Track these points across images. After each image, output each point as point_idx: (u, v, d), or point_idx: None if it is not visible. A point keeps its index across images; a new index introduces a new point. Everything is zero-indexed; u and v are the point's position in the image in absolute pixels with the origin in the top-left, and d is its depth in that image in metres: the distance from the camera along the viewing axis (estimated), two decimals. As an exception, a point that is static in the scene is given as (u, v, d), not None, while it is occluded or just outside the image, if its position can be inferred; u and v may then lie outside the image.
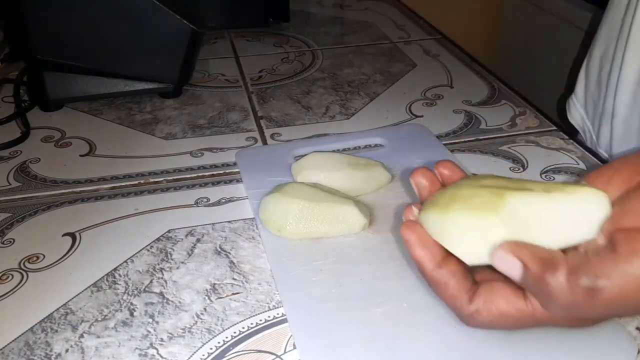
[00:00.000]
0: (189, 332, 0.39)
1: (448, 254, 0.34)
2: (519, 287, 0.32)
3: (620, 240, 0.29)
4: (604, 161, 0.58)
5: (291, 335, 0.38)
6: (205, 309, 0.41)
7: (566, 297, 0.29)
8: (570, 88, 0.73)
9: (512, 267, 0.30)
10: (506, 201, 0.32)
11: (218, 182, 0.55)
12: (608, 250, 0.29)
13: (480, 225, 0.32)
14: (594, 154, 0.59)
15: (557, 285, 0.29)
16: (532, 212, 0.31)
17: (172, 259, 0.45)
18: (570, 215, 0.31)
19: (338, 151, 0.58)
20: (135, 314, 0.40)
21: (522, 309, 0.32)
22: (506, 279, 0.32)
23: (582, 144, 0.61)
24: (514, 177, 0.35)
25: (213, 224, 0.49)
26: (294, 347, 0.37)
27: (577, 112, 0.72)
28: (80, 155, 0.59)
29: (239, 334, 0.39)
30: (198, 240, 0.47)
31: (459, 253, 0.33)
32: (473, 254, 0.33)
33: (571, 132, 0.66)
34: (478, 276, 0.35)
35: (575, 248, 0.31)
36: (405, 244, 0.36)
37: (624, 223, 0.30)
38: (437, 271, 0.34)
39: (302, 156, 0.54)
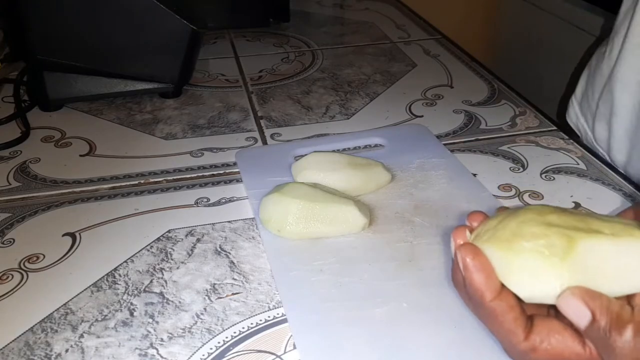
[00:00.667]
0: (189, 332, 0.39)
1: (503, 286, 0.33)
2: (576, 330, 0.32)
3: None
4: (603, 161, 0.58)
5: (291, 335, 0.38)
6: (205, 309, 0.41)
7: (631, 356, 0.29)
8: (572, 89, 0.73)
9: (580, 316, 0.30)
10: (576, 246, 0.31)
11: (218, 182, 0.55)
12: None
13: (546, 268, 0.31)
14: (594, 154, 0.59)
15: (624, 344, 0.29)
16: (602, 258, 0.31)
17: (172, 259, 0.45)
18: (638, 263, 0.30)
19: (338, 151, 0.58)
20: (135, 314, 0.40)
21: (580, 353, 0.31)
22: (561, 317, 0.32)
23: (581, 143, 0.61)
24: (574, 210, 0.34)
25: (213, 224, 0.49)
26: (294, 347, 0.37)
27: (573, 111, 0.72)
28: (80, 155, 0.59)
29: (239, 334, 0.39)
30: (198, 240, 0.47)
31: (519, 291, 0.32)
32: (534, 293, 0.32)
33: (571, 132, 0.66)
34: (527, 309, 0.34)
35: (633, 296, 0.31)
36: (463, 268, 0.33)
37: None
38: (497, 302, 0.32)
39: (302, 156, 0.54)
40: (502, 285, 0.33)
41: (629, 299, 0.31)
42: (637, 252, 0.31)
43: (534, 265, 0.31)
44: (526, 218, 0.33)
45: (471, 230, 0.36)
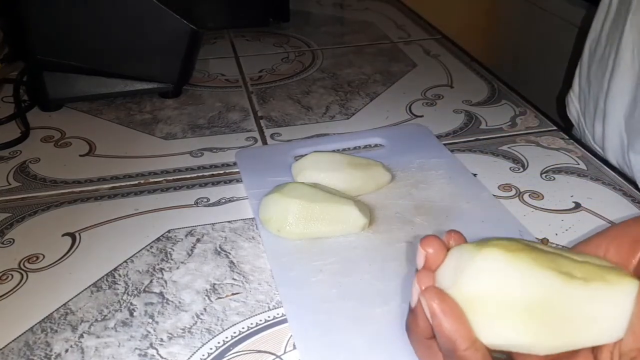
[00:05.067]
0: (189, 332, 0.39)
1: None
2: None
3: None
4: (603, 161, 0.58)
5: (291, 335, 0.38)
6: (205, 309, 0.41)
7: None
8: (568, 84, 0.73)
9: None
10: (544, 292, 0.28)
11: (218, 182, 0.55)
12: None
13: (514, 316, 0.29)
14: (594, 153, 0.59)
15: None
16: (571, 305, 0.28)
17: (172, 259, 0.45)
18: (609, 312, 0.28)
19: (338, 151, 0.58)
20: (135, 314, 0.40)
21: None
22: None
23: (581, 143, 0.61)
24: (544, 247, 0.31)
25: (213, 224, 0.49)
26: (294, 347, 0.37)
27: (573, 107, 0.72)
28: (80, 155, 0.59)
29: (239, 334, 0.39)
30: (198, 240, 0.47)
31: (485, 337, 0.30)
32: (500, 340, 0.29)
33: (571, 131, 0.66)
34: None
35: (599, 349, 0.29)
36: (431, 315, 0.30)
37: None
38: (471, 352, 0.29)
39: (302, 156, 0.54)
40: (477, 339, 0.30)
41: (595, 352, 0.30)
42: (608, 299, 0.28)
43: (504, 312, 0.29)
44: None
45: (429, 265, 0.32)
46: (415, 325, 0.32)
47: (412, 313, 0.32)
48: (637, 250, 0.30)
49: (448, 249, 0.32)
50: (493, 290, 0.29)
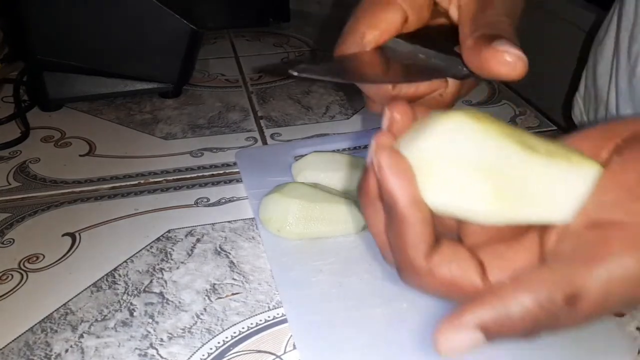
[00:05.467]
0: (189, 332, 0.39)
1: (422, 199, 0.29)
2: (480, 262, 0.29)
3: (594, 238, 0.26)
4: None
5: (291, 335, 0.38)
6: (205, 309, 0.41)
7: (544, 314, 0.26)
8: (574, 87, 0.73)
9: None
10: (504, 160, 0.27)
11: (218, 182, 0.55)
12: (582, 252, 0.26)
13: (462, 177, 0.27)
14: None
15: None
16: (529, 178, 0.27)
17: (172, 259, 0.45)
18: (567, 191, 0.27)
19: (338, 151, 0.58)
20: (135, 314, 0.40)
21: (477, 287, 0.28)
22: (469, 247, 0.29)
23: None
24: (511, 125, 0.29)
25: (213, 224, 0.49)
26: (294, 347, 0.37)
27: (577, 108, 0.72)
28: (80, 155, 0.59)
29: (239, 334, 0.39)
30: (198, 240, 0.47)
31: (432, 199, 0.28)
32: (450, 201, 0.28)
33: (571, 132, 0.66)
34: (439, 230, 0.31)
35: (547, 231, 0.28)
36: (377, 169, 0.28)
37: (598, 214, 0.26)
38: (411, 210, 0.28)
39: (302, 156, 0.54)
40: (422, 199, 0.28)
41: (542, 235, 0.29)
42: (567, 177, 0.27)
43: (453, 172, 0.27)
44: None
45: (393, 130, 0.31)
46: (366, 184, 0.31)
47: (365, 171, 0.31)
48: (608, 145, 0.28)
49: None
50: (448, 151, 0.28)
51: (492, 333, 0.26)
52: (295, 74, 0.30)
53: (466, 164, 0.27)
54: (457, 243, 0.30)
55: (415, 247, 0.28)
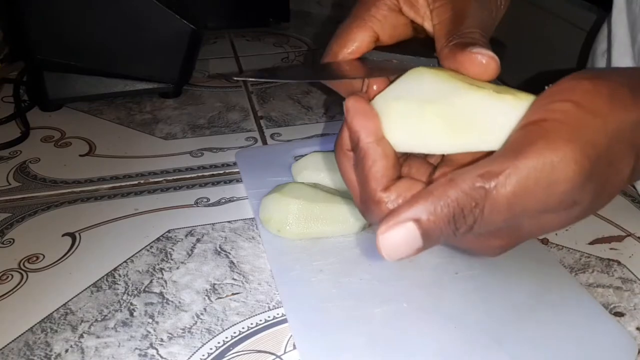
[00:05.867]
0: (189, 332, 0.39)
1: (387, 140, 0.32)
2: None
3: (517, 137, 0.27)
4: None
5: (291, 335, 0.38)
6: (205, 309, 0.41)
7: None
8: None
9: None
10: (453, 96, 0.30)
11: (218, 182, 0.55)
12: (504, 149, 0.27)
13: (417, 113, 0.31)
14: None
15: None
16: (476, 110, 0.30)
17: (172, 259, 0.45)
18: (506, 118, 0.29)
19: (338, 151, 0.58)
20: (135, 314, 0.40)
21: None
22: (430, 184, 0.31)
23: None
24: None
25: (213, 224, 0.49)
26: (294, 347, 0.37)
27: None
28: (80, 155, 0.59)
29: (239, 334, 0.39)
30: (198, 240, 0.47)
31: (392, 137, 0.32)
32: (405, 137, 0.31)
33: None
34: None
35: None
36: (345, 112, 0.33)
37: (524, 120, 0.28)
38: (373, 145, 0.31)
39: (302, 156, 0.54)
40: (384, 137, 0.32)
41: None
42: (509, 109, 0.29)
43: (409, 110, 0.31)
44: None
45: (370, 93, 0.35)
46: (340, 137, 0.35)
47: (341, 128, 0.35)
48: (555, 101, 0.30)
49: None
50: (405, 94, 0.31)
51: (427, 229, 0.27)
52: (235, 78, 0.32)
53: (420, 102, 0.31)
54: (416, 180, 0.32)
55: (375, 180, 0.31)
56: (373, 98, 0.34)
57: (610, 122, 0.28)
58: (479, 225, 0.27)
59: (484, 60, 0.31)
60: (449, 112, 0.30)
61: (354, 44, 0.37)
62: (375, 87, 0.35)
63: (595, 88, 0.28)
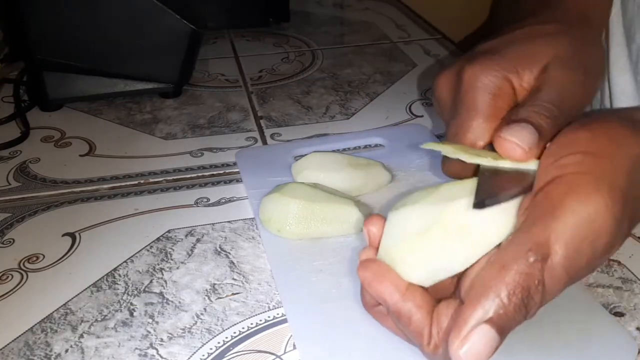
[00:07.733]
0: (189, 332, 0.39)
1: (412, 285, 0.32)
2: None
3: (541, 199, 0.28)
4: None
5: (291, 335, 0.38)
6: (205, 309, 0.41)
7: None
8: None
9: None
10: (446, 211, 0.31)
11: (218, 182, 0.55)
12: (533, 215, 0.28)
13: (425, 243, 0.31)
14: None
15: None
16: (463, 224, 0.31)
17: (172, 259, 0.45)
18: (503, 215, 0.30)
19: (338, 151, 0.58)
20: (135, 314, 0.40)
21: None
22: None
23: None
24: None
25: (213, 224, 0.49)
26: (294, 347, 0.37)
27: None
28: (80, 155, 0.59)
29: (239, 334, 0.39)
30: (198, 240, 0.47)
31: (414, 277, 0.32)
32: (424, 273, 0.32)
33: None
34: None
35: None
36: (362, 283, 0.33)
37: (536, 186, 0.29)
38: (401, 304, 0.31)
39: (302, 156, 0.54)
40: (412, 285, 0.32)
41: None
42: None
43: (412, 247, 0.31)
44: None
45: (372, 242, 0.35)
46: (364, 298, 0.35)
47: (362, 288, 0.35)
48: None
49: None
50: (399, 235, 0.32)
51: (501, 324, 0.27)
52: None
53: (416, 239, 0.31)
54: (449, 299, 0.31)
55: (420, 335, 0.31)
56: (373, 241, 0.35)
57: (622, 159, 0.28)
58: (544, 300, 0.27)
59: (509, 146, 0.31)
60: (454, 230, 0.30)
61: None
62: (374, 230, 0.34)
63: (594, 134, 0.29)
